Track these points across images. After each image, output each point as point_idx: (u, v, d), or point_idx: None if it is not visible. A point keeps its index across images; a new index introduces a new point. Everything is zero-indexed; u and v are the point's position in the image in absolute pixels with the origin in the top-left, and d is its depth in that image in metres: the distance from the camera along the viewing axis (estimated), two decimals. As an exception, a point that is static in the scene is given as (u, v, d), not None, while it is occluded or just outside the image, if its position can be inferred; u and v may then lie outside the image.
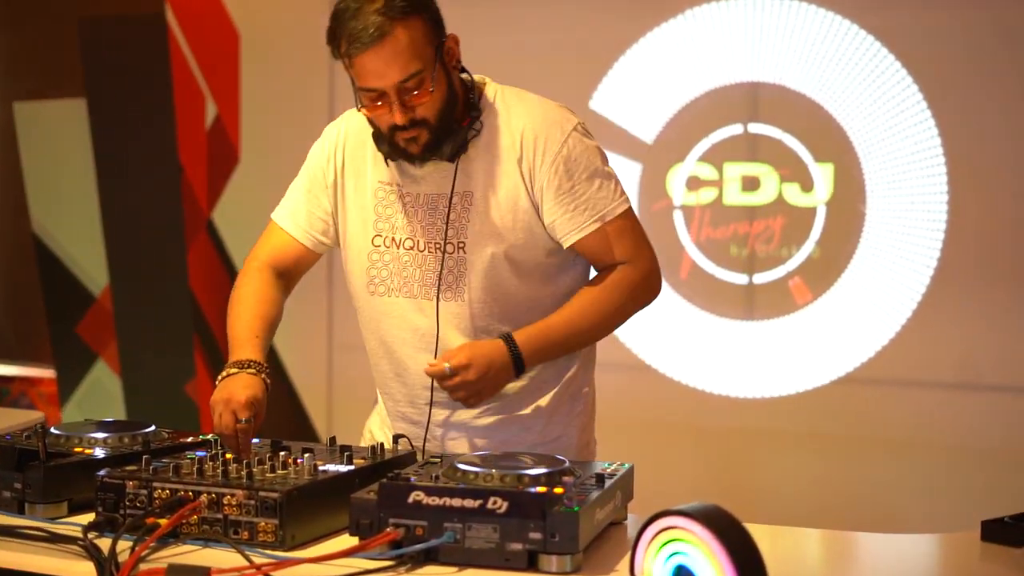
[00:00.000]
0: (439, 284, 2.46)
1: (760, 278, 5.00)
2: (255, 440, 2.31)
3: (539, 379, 2.53)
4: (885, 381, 4.83)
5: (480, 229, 2.42)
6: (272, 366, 2.47)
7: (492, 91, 2.49)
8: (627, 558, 1.84)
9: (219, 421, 2.25)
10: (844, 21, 4.82)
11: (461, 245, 2.43)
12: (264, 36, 5.76)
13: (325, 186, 2.58)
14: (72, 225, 6.27)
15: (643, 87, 5.11)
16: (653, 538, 1.72)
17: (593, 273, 2.58)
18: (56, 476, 2.13)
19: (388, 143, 2.41)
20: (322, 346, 5.54)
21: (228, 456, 2.15)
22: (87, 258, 6.22)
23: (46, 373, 6.47)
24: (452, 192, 2.44)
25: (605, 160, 2.49)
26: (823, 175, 4.90)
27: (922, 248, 4.77)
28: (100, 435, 2.31)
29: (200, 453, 2.18)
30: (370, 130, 2.45)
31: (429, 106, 2.33)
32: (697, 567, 1.66)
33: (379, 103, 2.33)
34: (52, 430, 2.31)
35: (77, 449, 2.26)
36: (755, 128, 4.99)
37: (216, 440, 2.31)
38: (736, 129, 5.01)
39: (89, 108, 6.12)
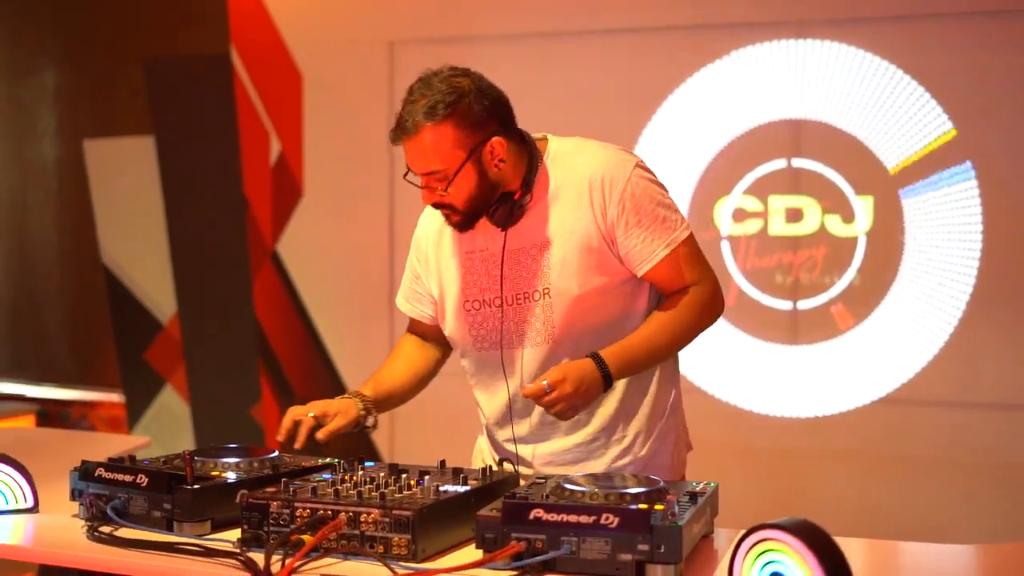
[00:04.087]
0: (528, 331, 2.68)
1: (804, 304, 5.11)
2: (369, 463, 2.54)
3: (627, 401, 2.72)
4: (923, 401, 4.92)
5: (561, 273, 2.62)
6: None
7: (555, 145, 2.69)
8: (723, 565, 2.03)
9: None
10: (883, 62, 4.94)
11: (546, 291, 2.64)
12: (326, 77, 5.88)
13: (426, 271, 2.84)
14: (141, 256, 6.40)
15: (692, 123, 5.22)
16: (750, 549, 1.90)
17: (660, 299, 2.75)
18: (202, 497, 2.30)
19: None
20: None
21: (347, 477, 2.37)
22: (155, 288, 6.35)
23: (113, 398, 6.59)
24: (503, 251, 2.68)
25: (666, 191, 2.67)
26: (863, 207, 5.02)
27: (958, 275, 4.87)
28: (233, 460, 2.50)
29: (327, 475, 2.38)
30: None
31: (454, 196, 2.57)
32: (791, 574, 1.83)
33: (416, 179, 2.61)
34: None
35: (214, 473, 2.44)
36: (798, 163, 5.10)
37: (339, 462, 2.53)
38: (780, 163, 5.13)
39: (157, 145, 6.26)
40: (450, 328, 2.81)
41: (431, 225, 2.83)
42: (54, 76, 6.85)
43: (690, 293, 2.66)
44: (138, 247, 6.45)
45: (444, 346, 2.94)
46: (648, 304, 2.72)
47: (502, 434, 2.82)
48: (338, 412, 2.64)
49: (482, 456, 2.92)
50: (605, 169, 2.62)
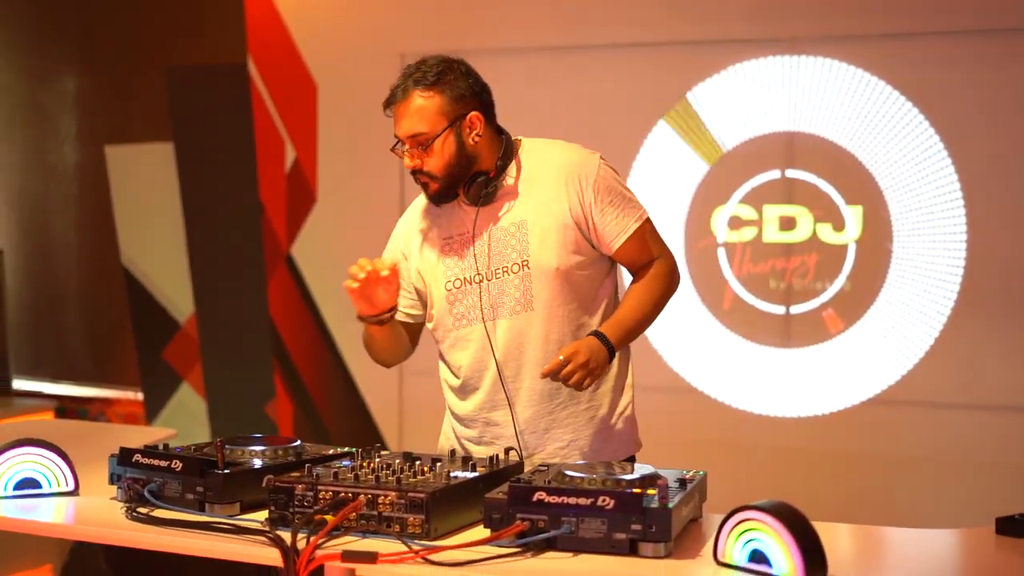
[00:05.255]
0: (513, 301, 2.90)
1: (796, 309, 5.21)
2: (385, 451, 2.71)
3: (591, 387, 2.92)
4: (909, 402, 5.02)
5: (540, 246, 2.86)
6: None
7: (528, 143, 2.96)
8: (708, 545, 2.18)
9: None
10: (872, 78, 5.05)
11: (525, 263, 2.87)
12: (340, 86, 5.97)
13: (406, 269, 3.03)
14: (160, 258, 6.48)
15: (690, 135, 5.32)
16: (733, 528, 2.08)
17: (628, 279, 3.01)
18: (232, 481, 2.45)
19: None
20: (394, 372, 5.50)
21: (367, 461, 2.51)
22: (173, 289, 6.43)
23: (132, 395, 6.67)
24: (475, 226, 2.90)
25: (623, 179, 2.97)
26: (853, 216, 5.11)
27: (943, 282, 4.98)
28: (259, 448, 2.65)
29: (346, 462, 2.52)
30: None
31: (433, 163, 2.82)
32: (769, 551, 2.00)
33: (402, 148, 2.84)
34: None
35: (242, 459, 2.58)
36: (792, 173, 5.21)
37: (358, 450, 2.67)
38: (774, 174, 5.23)
39: (176, 151, 6.34)
40: (436, 312, 3.00)
41: (404, 228, 3.06)
42: (75, 82, 6.93)
43: (656, 266, 2.95)
44: (157, 249, 6.53)
45: (413, 336, 3.13)
46: (612, 290, 3.00)
47: (471, 409, 3.01)
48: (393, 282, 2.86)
49: (450, 442, 3.09)
50: (577, 160, 2.90)
